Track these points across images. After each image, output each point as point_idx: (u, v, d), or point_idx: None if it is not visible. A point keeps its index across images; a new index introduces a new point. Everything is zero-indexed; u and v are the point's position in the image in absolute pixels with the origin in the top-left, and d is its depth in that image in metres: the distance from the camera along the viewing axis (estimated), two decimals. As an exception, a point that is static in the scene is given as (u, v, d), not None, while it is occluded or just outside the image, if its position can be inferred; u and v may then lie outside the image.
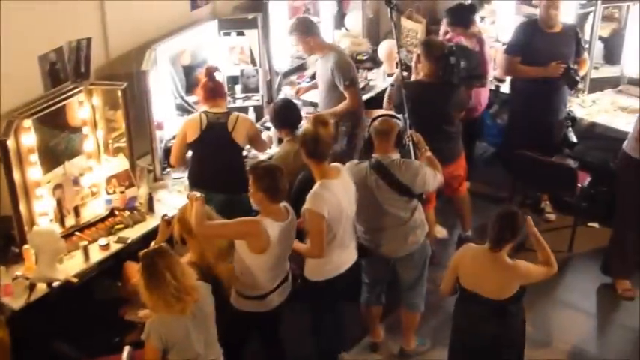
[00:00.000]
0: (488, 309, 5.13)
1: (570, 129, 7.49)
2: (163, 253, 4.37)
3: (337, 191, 5.32)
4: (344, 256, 5.57)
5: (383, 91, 7.53)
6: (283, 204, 5.15)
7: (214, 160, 6.10)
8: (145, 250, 4.44)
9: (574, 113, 7.65)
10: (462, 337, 5.43)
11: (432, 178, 5.67)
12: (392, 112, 6.36)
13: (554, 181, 7.39)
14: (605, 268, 7.07)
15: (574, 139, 7.42)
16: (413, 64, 7.07)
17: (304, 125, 5.93)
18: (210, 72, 6.38)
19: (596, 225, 7.77)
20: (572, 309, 6.74)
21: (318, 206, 5.19)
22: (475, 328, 5.25)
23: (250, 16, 7.18)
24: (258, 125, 6.89)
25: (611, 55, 8.29)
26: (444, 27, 7.84)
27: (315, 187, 5.30)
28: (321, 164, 5.37)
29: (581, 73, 7.50)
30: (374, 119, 5.81)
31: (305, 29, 6.99)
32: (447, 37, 7.67)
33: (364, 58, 8.49)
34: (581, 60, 7.46)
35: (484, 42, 7.61)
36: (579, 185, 7.23)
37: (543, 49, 7.22)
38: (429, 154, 5.86)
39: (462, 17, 7.52)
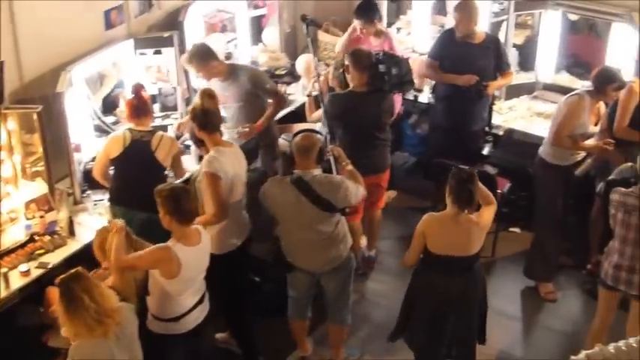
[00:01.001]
0: (459, 267, 5.54)
1: (488, 142, 7.56)
2: (79, 278, 4.30)
3: (230, 158, 5.72)
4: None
5: (302, 105, 7.55)
6: (195, 226, 5.15)
7: (136, 178, 6.03)
8: (60, 277, 4.36)
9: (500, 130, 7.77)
10: (426, 303, 5.68)
11: (353, 192, 5.69)
12: (313, 127, 6.40)
13: None
14: (528, 271, 7.20)
15: (485, 152, 7.51)
16: (323, 78, 7.19)
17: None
18: (137, 90, 6.33)
19: (517, 230, 7.92)
20: (497, 313, 6.79)
21: (214, 168, 5.51)
22: (445, 288, 5.56)
23: (166, 35, 7.13)
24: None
25: (526, 61, 8.45)
26: (351, 29, 7.86)
27: (210, 152, 5.62)
28: (213, 135, 5.75)
29: (504, 84, 7.67)
30: (295, 134, 5.82)
31: (204, 56, 6.85)
32: (355, 35, 7.78)
33: (283, 72, 8.50)
34: (505, 74, 7.54)
35: (392, 39, 7.71)
36: (499, 191, 7.32)
37: (459, 60, 7.32)
38: (350, 167, 5.88)
39: (372, 12, 7.66)
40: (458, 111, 7.44)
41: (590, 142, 6.71)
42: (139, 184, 5.85)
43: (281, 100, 7.25)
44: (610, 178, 6.56)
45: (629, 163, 6.41)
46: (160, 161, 6.11)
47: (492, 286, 7.11)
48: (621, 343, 3.81)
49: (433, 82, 7.96)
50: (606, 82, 6.45)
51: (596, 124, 6.79)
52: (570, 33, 8.33)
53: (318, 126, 6.89)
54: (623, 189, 5.67)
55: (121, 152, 6.07)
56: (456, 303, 5.62)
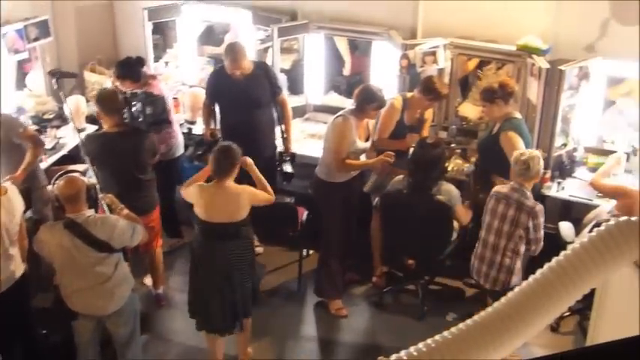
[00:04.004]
0: (226, 232, 5.91)
1: (287, 163, 7.53)
2: None
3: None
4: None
5: (75, 148, 7.32)
6: None
7: None
8: None
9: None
10: (209, 267, 6.00)
11: (129, 231, 5.56)
12: (73, 168, 6.23)
13: (277, 220, 7.33)
14: (318, 291, 7.27)
15: (289, 169, 7.47)
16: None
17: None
18: None
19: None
20: (294, 337, 6.90)
21: None
22: (215, 251, 5.95)
23: None
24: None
25: (295, 85, 8.57)
26: (113, 79, 7.60)
27: None
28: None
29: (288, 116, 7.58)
30: (56, 178, 5.63)
31: None
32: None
33: (51, 116, 8.16)
34: (280, 99, 7.51)
35: (156, 83, 7.54)
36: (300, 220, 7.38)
37: (236, 94, 7.23)
38: (125, 212, 5.78)
39: (130, 70, 7.30)
40: (244, 140, 7.31)
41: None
42: None
43: (38, 144, 6.86)
44: (385, 191, 6.82)
45: (401, 176, 6.69)
46: None
47: (286, 309, 7.25)
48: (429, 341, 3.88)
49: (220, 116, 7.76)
50: (366, 102, 6.62)
51: (367, 140, 6.97)
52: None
53: (84, 167, 6.71)
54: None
55: None
56: (225, 263, 5.95)
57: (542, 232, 6.18)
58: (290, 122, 7.57)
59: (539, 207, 6.14)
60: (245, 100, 7.26)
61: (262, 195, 6.08)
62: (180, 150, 7.72)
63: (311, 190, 7.26)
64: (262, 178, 6.20)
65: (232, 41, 7.53)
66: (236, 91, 7.22)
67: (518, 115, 6.80)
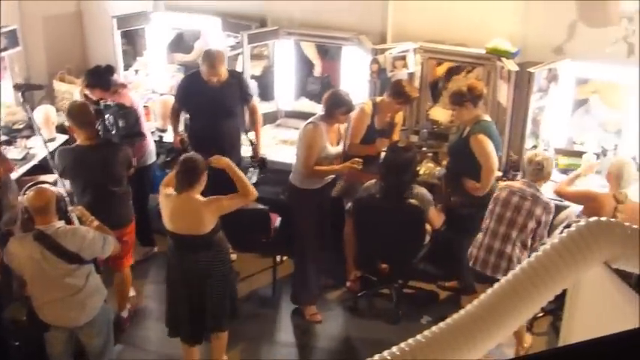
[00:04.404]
0: (194, 244, 5.82)
1: (255, 172, 7.49)
2: None
3: None
4: None
5: (45, 158, 7.25)
6: None
7: None
8: None
9: (266, 156, 7.63)
10: (179, 277, 5.96)
11: (100, 242, 5.53)
12: (43, 179, 6.18)
13: (250, 226, 7.24)
14: (293, 297, 7.25)
15: (254, 179, 7.41)
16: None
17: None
18: None
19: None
20: (270, 342, 6.89)
21: None
22: (183, 262, 5.90)
23: None
24: None
25: (266, 91, 8.53)
26: (82, 88, 7.50)
27: None
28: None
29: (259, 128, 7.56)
30: (26, 189, 5.59)
31: None
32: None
33: (21, 127, 8.08)
34: (251, 106, 7.49)
35: (130, 96, 7.48)
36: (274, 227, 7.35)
37: (209, 101, 7.17)
38: (96, 223, 5.73)
39: (100, 79, 7.21)
40: (210, 147, 7.28)
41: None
42: None
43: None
44: (357, 196, 6.83)
45: (374, 180, 6.70)
46: None
47: (261, 315, 7.24)
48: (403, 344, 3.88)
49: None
50: (334, 107, 6.63)
51: (337, 143, 6.96)
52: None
53: (53, 177, 6.66)
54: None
55: None
56: (199, 275, 5.89)
57: (547, 231, 6.25)
58: (260, 128, 7.56)
59: (553, 205, 6.25)
60: (217, 108, 7.22)
61: (235, 200, 5.90)
62: (152, 158, 7.67)
63: (284, 197, 7.25)
64: (241, 175, 6.02)
65: (211, 48, 7.46)
66: (209, 98, 7.17)
67: (487, 117, 6.82)
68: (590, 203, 6.28)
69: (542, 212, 6.13)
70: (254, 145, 7.50)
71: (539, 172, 6.19)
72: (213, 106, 7.20)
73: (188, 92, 7.38)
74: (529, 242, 6.19)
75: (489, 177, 6.54)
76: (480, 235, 6.35)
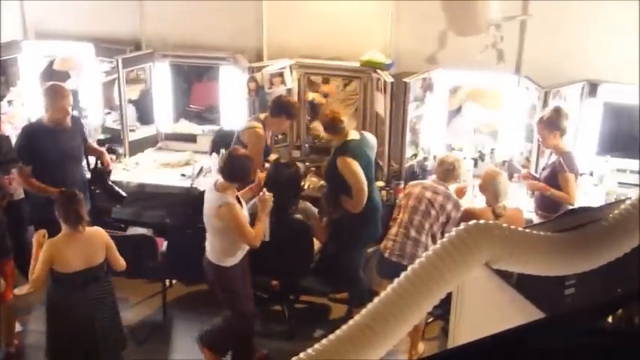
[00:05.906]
0: (87, 279, 5.74)
1: (110, 184, 7.21)
2: None
3: None
4: None
5: None
6: None
7: None
8: None
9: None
10: (62, 315, 5.82)
11: None
12: None
13: (137, 251, 6.97)
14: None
15: (122, 193, 7.14)
16: None
17: None
18: None
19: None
20: None
21: None
22: (78, 301, 5.77)
23: None
24: None
25: (145, 115, 8.47)
26: None
27: None
28: None
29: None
30: None
31: None
32: None
33: None
34: (87, 146, 7.13)
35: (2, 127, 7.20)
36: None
37: (53, 148, 6.73)
38: None
39: None
40: (57, 180, 6.81)
41: None
42: None
43: None
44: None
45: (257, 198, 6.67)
46: None
47: (152, 342, 7.13)
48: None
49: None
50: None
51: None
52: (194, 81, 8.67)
53: None
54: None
55: None
56: (88, 314, 5.81)
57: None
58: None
59: (462, 204, 6.43)
60: (63, 154, 6.79)
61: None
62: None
63: (169, 220, 7.16)
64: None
65: (52, 83, 7.04)
66: (52, 144, 6.72)
67: (354, 135, 6.70)
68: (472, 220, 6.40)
69: (452, 208, 6.29)
70: (100, 155, 7.19)
71: (450, 172, 6.35)
72: (58, 152, 6.77)
73: (28, 143, 6.78)
74: (438, 236, 6.29)
75: (361, 195, 6.51)
76: (393, 229, 6.40)
